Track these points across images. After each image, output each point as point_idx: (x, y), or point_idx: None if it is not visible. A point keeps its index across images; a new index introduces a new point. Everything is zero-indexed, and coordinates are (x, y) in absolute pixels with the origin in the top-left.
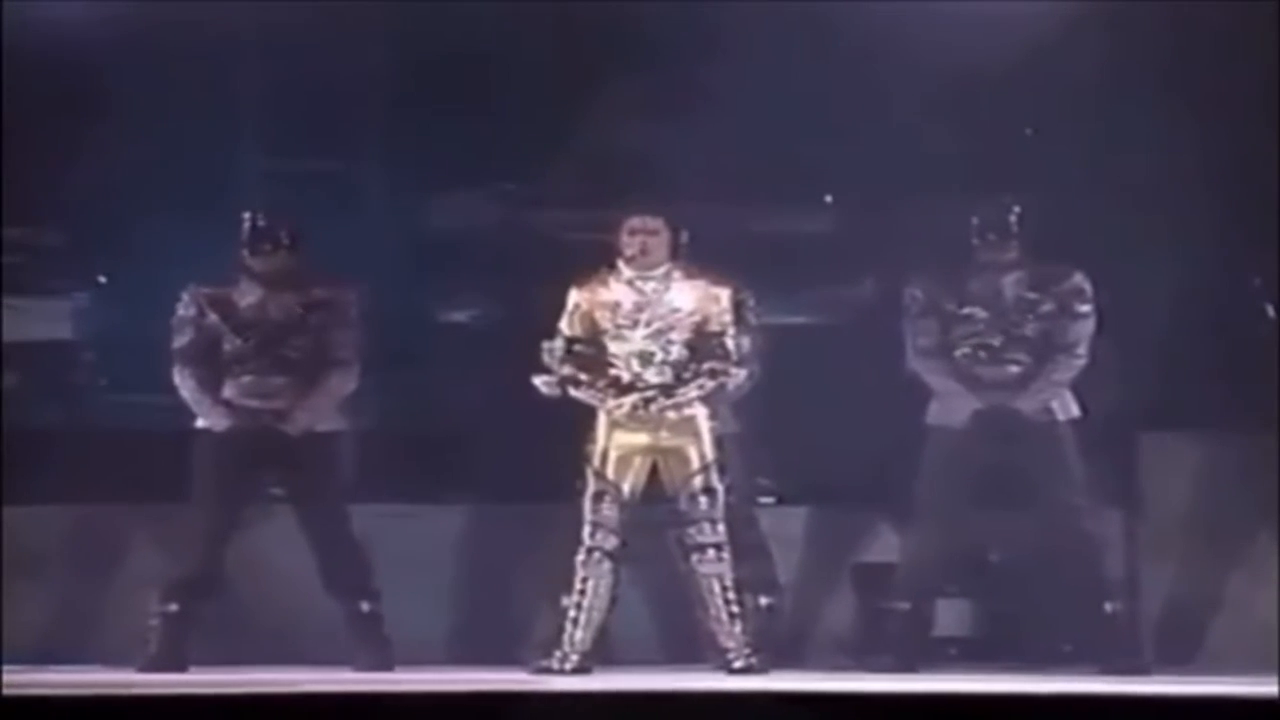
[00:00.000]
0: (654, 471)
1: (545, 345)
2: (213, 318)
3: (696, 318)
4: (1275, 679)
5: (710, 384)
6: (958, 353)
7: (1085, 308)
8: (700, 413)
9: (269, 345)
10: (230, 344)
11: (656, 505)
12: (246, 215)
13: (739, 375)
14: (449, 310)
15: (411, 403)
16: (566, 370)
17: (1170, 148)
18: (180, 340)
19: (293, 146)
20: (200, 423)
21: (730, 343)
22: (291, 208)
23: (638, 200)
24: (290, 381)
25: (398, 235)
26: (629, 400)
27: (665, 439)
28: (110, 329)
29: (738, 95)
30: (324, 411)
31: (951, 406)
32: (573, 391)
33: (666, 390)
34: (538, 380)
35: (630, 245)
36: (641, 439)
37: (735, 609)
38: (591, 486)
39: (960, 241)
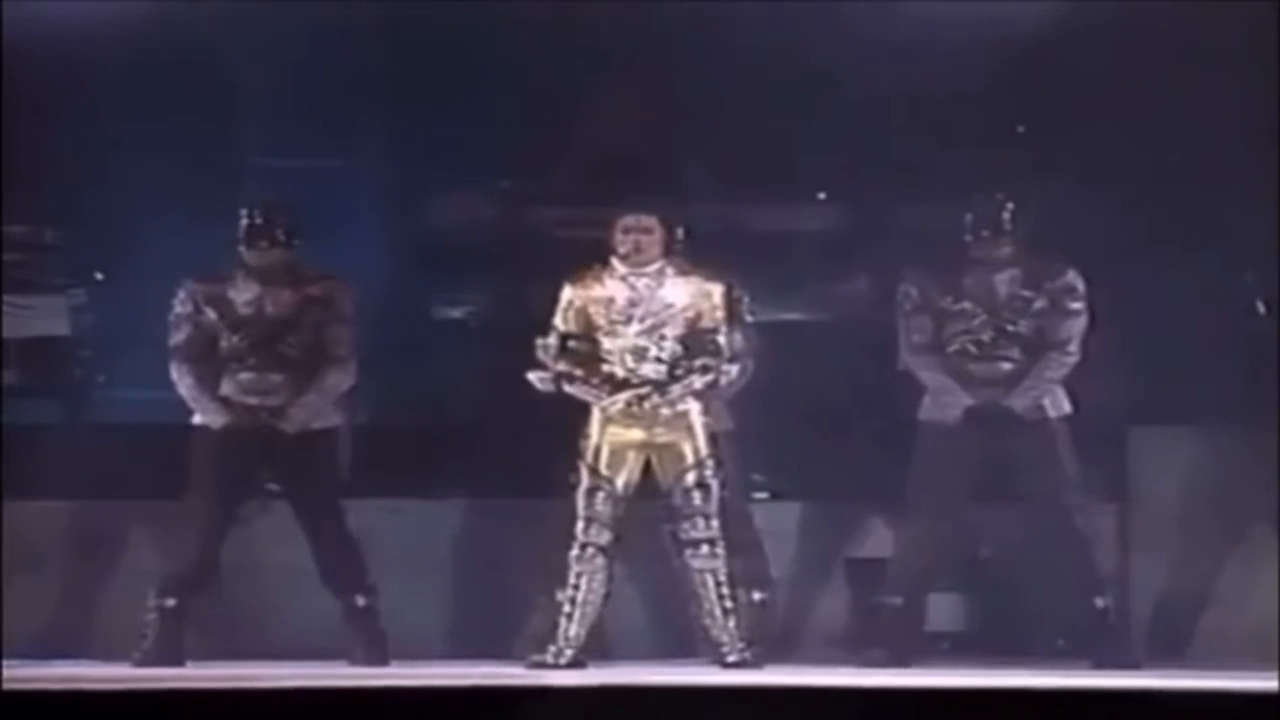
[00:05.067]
0: (648, 467)
1: (540, 342)
2: (210, 314)
3: (690, 314)
4: (1275, 673)
5: (703, 380)
6: (950, 349)
7: (1078, 305)
8: (694, 408)
9: (266, 342)
10: (227, 340)
11: (650, 500)
12: (244, 212)
13: (731, 371)
14: (445, 307)
15: (407, 399)
16: (561, 366)
17: (1163, 145)
18: (177, 337)
19: (290, 143)
20: (197, 419)
21: (722, 339)
22: (288, 204)
23: (633, 198)
24: (287, 378)
25: (394, 232)
26: (623, 397)
27: (659, 435)
28: (108, 326)
29: (733, 93)
30: (321, 408)
31: (944, 403)
32: (567, 387)
33: (660, 386)
34: (532, 376)
35: (624, 243)
36: (635, 434)
37: (729, 604)
38: (585, 482)
39: (954, 238)
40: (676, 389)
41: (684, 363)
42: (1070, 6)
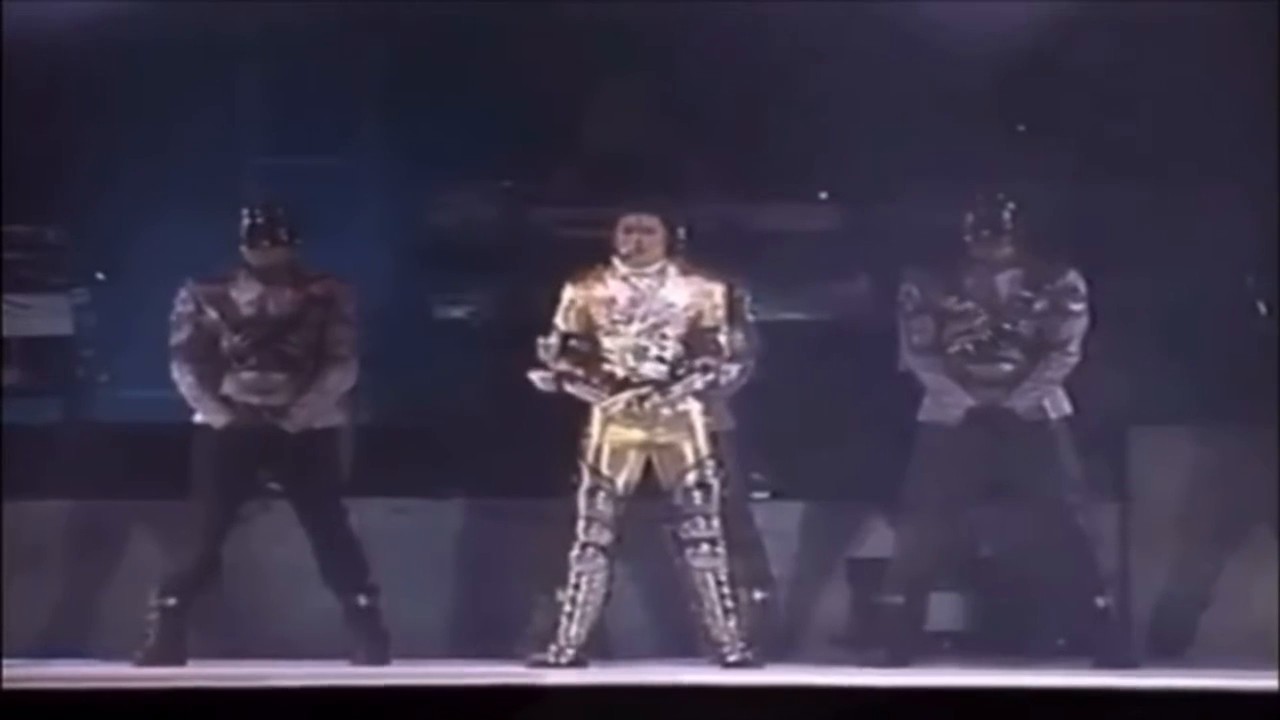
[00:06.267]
0: (648, 467)
1: (541, 341)
2: (211, 314)
3: (691, 313)
4: (1274, 672)
5: (703, 379)
6: (951, 350)
7: (1078, 305)
8: (695, 408)
9: (268, 341)
10: (229, 340)
11: (651, 500)
12: (245, 211)
13: (731, 370)
14: (446, 306)
15: (409, 398)
16: (562, 366)
17: (1165, 145)
18: (179, 336)
19: (291, 143)
20: (199, 418)
21: (723, 338)
22: (290, 204)
23: (634, 198)
24: (289, 377)
25: (396, 232)
26: (624, 397)
27: (660, 434)
28: (110, 325)
29: (734, 93)
30: (322, 407)
31: (945, 403)
32: (568, 387)
33: (661, 386)
34: (534, 376)
35: (626, 243)
36: (636, 434)
37: (730, 603)
38: (586, 481)
39: (955, 239)
40: (677, 389)
41: (685, 362)
42: (1071, 6)
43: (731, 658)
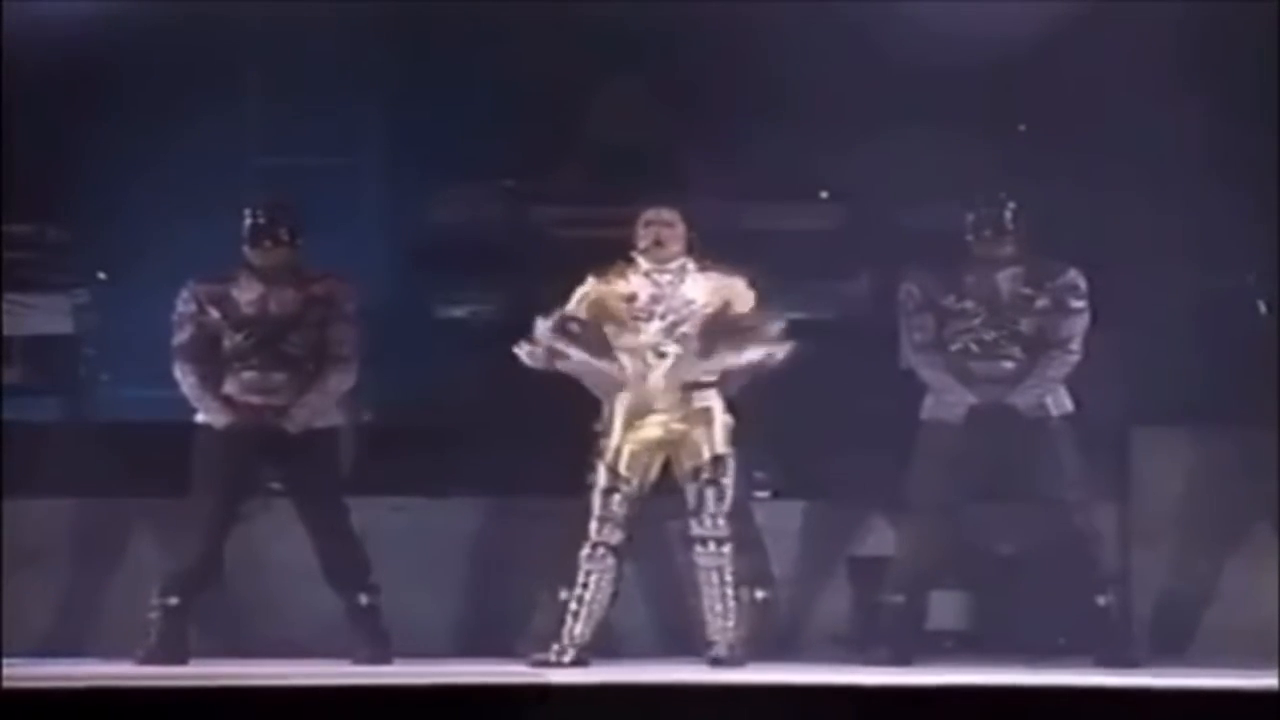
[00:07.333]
0: (666, 465)
1: (540, 320)
2: (213, 314)
3: (710, 309)
4: (1274, 672)
5: (757, 355)
6: (953, 348)
7: (1079, 303)
8: (716, 405)
9: (269, 341)
10: (230, 340)
11: (660, 496)
12: (247, 211)
13: (780, 354)
14: (449, 306)
15: (410, 398)
16: (558, 343)
17: (1166, 144)
18: (180, 336)
19: (293, 143)
20: (200, 418)
21: (772, 324)
22: (292, 204)
23: (637, 196)
24: (290, 377)
25: (398, 231)
26: (666, 364)
27: (678, 427)
28: (111, 324)
29: (736, 92)
30: (323, 407)
31: (946, 402)
32: (560, 365)
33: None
34: (521, 350)
35: (645, 237)
36: (656, 433)
37: (730, 602)
38: (603, 481)
39: (955, 238)
40: (730, 358)
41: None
42: (1071, 6)
43: (718, 652)
